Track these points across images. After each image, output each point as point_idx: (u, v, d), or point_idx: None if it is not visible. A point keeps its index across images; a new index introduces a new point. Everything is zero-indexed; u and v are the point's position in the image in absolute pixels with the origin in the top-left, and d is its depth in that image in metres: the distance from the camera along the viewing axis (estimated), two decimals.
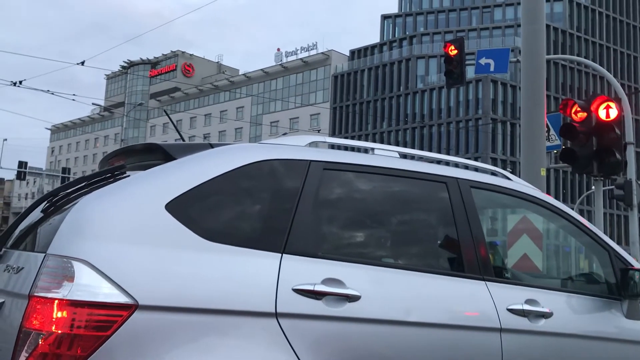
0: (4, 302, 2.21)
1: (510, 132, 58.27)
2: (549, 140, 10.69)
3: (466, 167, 3.27)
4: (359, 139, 65.80)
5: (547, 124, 10.03)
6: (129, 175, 2.43)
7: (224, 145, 2.63)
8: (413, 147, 59.66)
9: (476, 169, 3.31)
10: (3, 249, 2.47)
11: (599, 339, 3.08)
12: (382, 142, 63.49)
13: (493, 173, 3.35)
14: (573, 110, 8.98)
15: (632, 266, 3.25)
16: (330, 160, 2.71)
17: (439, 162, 3.25)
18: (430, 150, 58.20)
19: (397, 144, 61.30)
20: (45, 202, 2.47)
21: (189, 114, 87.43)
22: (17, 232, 2.59)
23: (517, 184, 3.30)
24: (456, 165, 3.26)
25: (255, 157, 2.55)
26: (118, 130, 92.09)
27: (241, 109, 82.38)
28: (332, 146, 3.01)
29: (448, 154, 55.68)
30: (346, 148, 3.04)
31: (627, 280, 3.15)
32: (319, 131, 69.29)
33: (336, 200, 2.74)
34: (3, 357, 2.09)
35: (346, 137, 68.64)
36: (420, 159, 3.25)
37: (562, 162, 9.67)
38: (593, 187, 10.39)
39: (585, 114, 8.81)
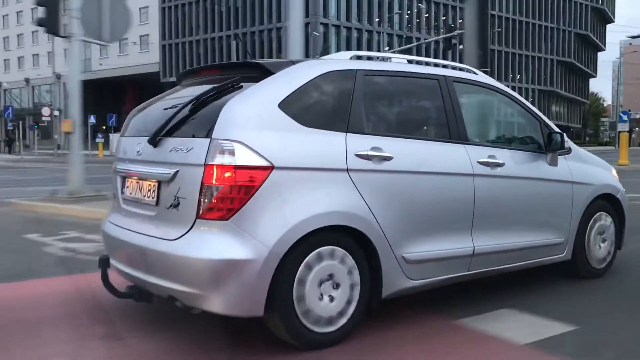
0: (178, 170, 3.57)
1: None
2: None
3: (445, 66, 4.87)
4: (190, 44, 66.72)
5: None
6: (242, 86, 3.76)
7: (300, 61, 4.05)
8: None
9: (454, 68, 4.92)
10: (159, 137, 3.76)
11: (533, 179, 4.91)
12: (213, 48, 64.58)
13: (461, 69, 4.96)
14: None
15: (555, 131, 5.11)
16: (368, 68, 4.17)
17: (434, 64, 4.85)
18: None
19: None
20: (187, 105, 3.74)
21: None
22: (154, 125, 3.83)
23: (481, 76, 4.99)
24: (444, 66, 4.88)
25: (324, 69, 3.96)
26: None
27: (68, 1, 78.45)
28: (368, 58, 4.49)
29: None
30: (373, 58, 4.52)
31: (551, 140, 5.04)
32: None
33: (374, 95, 4.21)
34: (190, 203, 3.48)
35: (177, 43, 69.43)
36: (419, 63, 4.80)
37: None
38: None
39: None
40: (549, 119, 5.26)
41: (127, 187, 4.14)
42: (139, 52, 73.62)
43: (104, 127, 52.56)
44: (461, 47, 38.92)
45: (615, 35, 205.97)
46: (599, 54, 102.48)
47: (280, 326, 3.51)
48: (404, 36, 60.16)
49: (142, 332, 3.98)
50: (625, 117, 27.90)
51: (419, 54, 58.10)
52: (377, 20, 63.72)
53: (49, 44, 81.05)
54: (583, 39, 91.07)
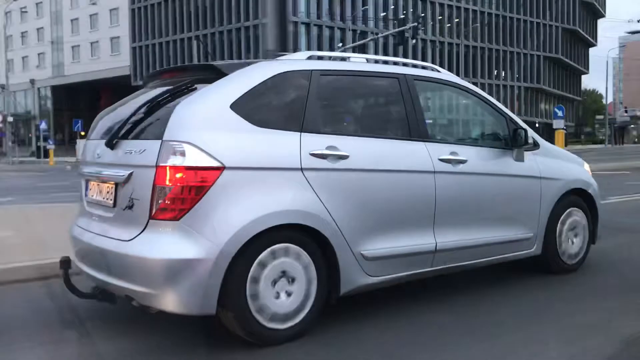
0: (132, 172, 3.74)
1: None
2: None
3: (405, 64, 5.03)
4: (161, 45, 66.83)
5: None
6: (196, 88, 3.90)
7: (255, 62, 4.17)
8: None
9: (414, 65, 5.07)
10: (115, 140, 3.93)
11: (497, 175, 5.07)
12: (183, 49, 65.17)
13: (424, 67, 5.11)
14: None
15: (520, 126, 5.25)
16: (324, 68, 4.32)
17: (394, 63, 5.00)
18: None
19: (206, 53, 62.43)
20: (142, 108, 3.90)
21: None
22: (114, 128, 4.01)
23: (444, 74, 5.14)
24: (404, 64, 5.04)
25: (278, 70, 4.10)
26: None
27: (40, 4, 78.69)
28: (322, 57, 4.61)
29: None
30: (330, 58, 4.66)
31: (516, 136, 5.18)
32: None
33: (330, 95, 4.36)
34: (143, 204, 3.64)
35: (147, 45, 69.20)
36: (377, 62, 4.94)
37: None
38: None
39: None
40: (538, 117, 5.43)
41: (90, 189, 4.29)
42: (110, 54, 73.52)
43: (82, 133, 52.16)
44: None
45: (615, 31, 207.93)
46: (599, 51, 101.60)
47: (235, 324, 3.66)
48: (378, 33, 59.85)
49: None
50: (560, 113, 25.66)
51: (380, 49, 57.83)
52: (349, 17, 63.21)
53: (23, 50, 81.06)
54: (572, 34, 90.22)
